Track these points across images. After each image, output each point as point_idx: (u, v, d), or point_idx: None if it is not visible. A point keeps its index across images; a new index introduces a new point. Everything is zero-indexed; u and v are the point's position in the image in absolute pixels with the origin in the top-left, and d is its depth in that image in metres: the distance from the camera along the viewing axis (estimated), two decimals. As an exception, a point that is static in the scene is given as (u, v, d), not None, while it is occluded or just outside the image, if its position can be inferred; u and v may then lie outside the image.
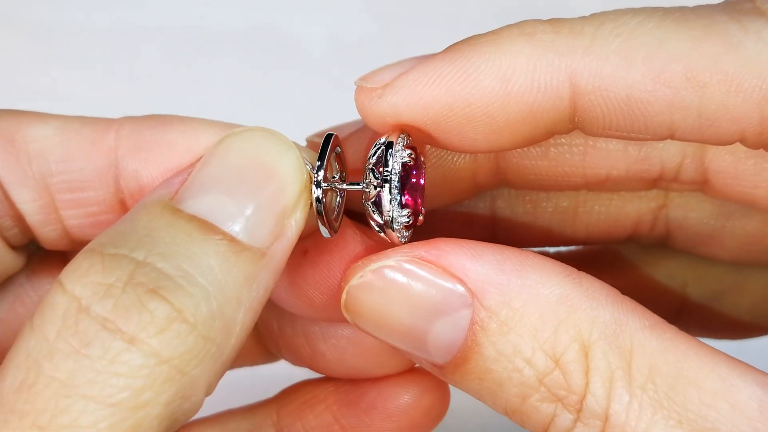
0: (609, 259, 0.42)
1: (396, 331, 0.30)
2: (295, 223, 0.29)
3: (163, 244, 0.27)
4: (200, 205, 0.28)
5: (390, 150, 0.30)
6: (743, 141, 0.29)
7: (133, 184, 0.32)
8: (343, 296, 0.30)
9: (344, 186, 0.31)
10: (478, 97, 0.29)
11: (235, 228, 0.28)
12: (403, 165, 0.30)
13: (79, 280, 0.27)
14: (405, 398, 0.36)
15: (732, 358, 0.28)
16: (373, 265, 0.30)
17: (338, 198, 0.32)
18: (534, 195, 0.39)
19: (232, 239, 0.28)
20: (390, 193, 0.30)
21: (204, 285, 0.27)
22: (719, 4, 0.30)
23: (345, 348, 0.36)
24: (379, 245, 0.32)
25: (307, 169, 0.30)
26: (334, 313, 0.32)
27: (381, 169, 0.30)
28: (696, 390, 0.27)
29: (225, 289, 0.27)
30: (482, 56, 0.29)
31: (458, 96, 0.30)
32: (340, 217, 0.33)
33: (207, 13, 0.74)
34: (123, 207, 0.33)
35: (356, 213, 0.34)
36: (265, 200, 0.29)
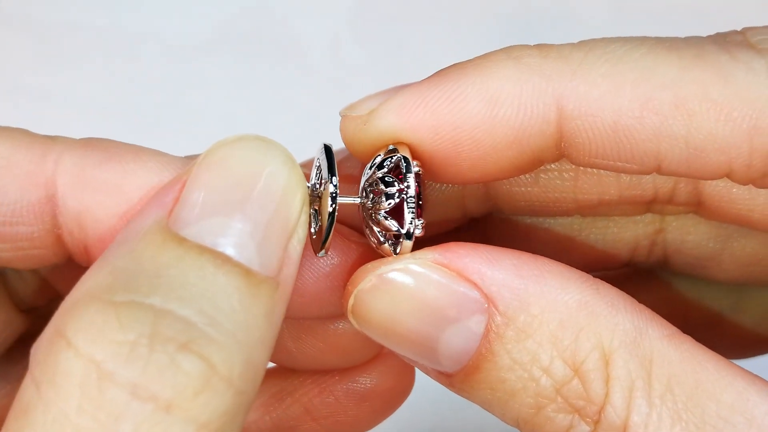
0: (610, 279, 0.41)
1: (405, 338, 0.29)
2: (298, 243, 0.27)
3: (178, 284, 0.24)
4: (204, 230, 0.26)
5: (408, 161, 0.29)
6: (731, 175, 0.29)
7: (74, 224, 0.29)
8: (351, 301, 0.29)
9: (349, 200, 0.30)
10: (465, 120, 0.29)
11: (248, 256, 0.26)
12: (417, 174, 0.29)
13: (94, 339, 0.23)
14: (375, 379, 0.36)
15: (747, 371, 0.28)
16: (383, 268, 0.29)
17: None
18: (528, 226, 0.38)
19: (247, 271, 0.25)
20: (409, 204, 0.29)
21: (232, 331, 0.24)
22: (709, 36, 0.30)
23: (314, 344, 0.35)
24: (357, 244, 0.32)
25: (305, 180, 0.28)
26: (311, 310, 0.32)
27: (402, 182, 0.29)
28: (714, 403, 0.27)
29: (250, 331, 0.25)
30: (468, 80, 0.29)
31: (444, 119, 0.29)
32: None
33: (207, 14, 0.74)
34: (59, 242, 0.30)
35: None
36: (272, 220, 0.26)
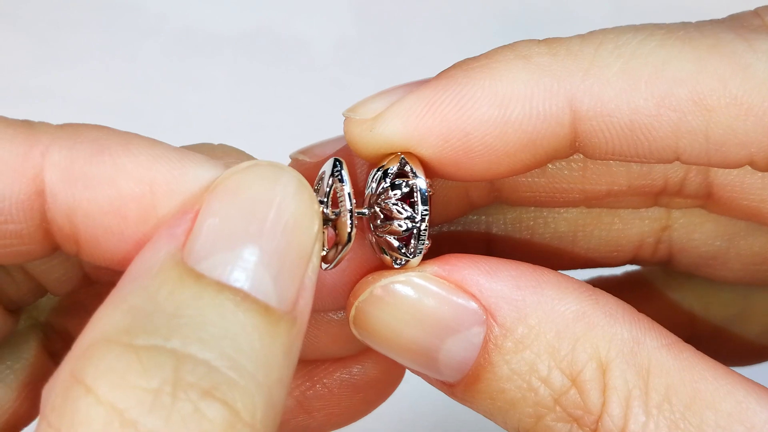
0: (616, 287, 0.41)
1: (406, 349, 0.29)
2: (313, 273, 0.26)
3: (197, 324, 0.24)
4: (220, 264, 0.25)
5: (423, 190, 0.29)
6: (752, 164, 0.28)
7: (64, 220, 0.28)
8: (352, 312, 0.30)
9: (359, 212, 0.30)
10: (475, 126, 0.28)
11: (265, 292, 0.25)
12: (429, 198, 0.29)
13: (116, 385, 0.22)
14: (367, 368, 0.35)
15: (748, 380, 0.28)
16: (384, 281, 0.29)
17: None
18: (531, 221, 0.38)
19: (266, 308, 0.25)
20: (425, 229, 0.29)
21: (253, 373, 0.24)
22: (725, 19, 0.29)
23: (314, 334, 0.34)
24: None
25: (319, 205, 0.27)
26: (323, 305, 0.32)
27: (414, 207, 0.29)
28: (712, 412, 0.27)
29: (271, 372, 0.24)
30: (477, 83, 0.28)
31: (454, 126, 0.28)
32: None
33: (206, 14, 0.74)
34: (47, 237, 0.29)
35: None
36: (287, 252, 0.26)
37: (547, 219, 0.37)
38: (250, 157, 0.33)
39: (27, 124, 0.28)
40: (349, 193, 0.28)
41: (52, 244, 0.29)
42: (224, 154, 0.33)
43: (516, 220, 0.37)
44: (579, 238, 0.37)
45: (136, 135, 0.29)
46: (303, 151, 0.34)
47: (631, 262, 0.39)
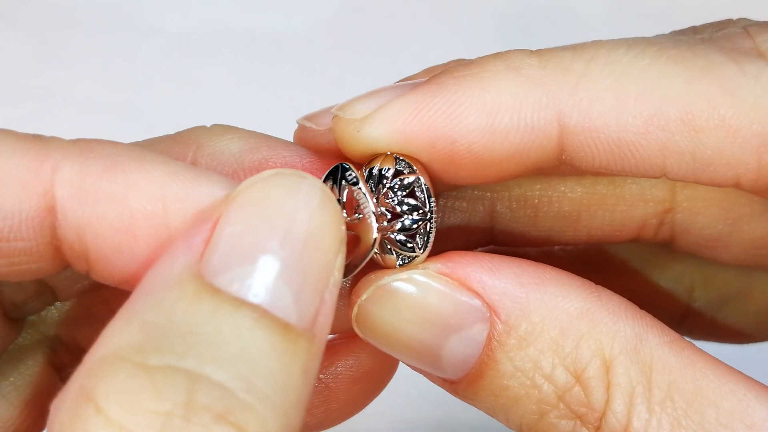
0: (615, 261, 0.41)
1: (409, 347, 0.29)
2: (334, 288, 0.26)
3: (212, 343, 0.23)
4: (238, 278, 0.24)
5: (426, 184, 0.29)
6: (738, 185, 0.28)
7: (75, 237, 0.27)
8: (354, 310, 0.30)
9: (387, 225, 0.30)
10: (462, 134, 0.28)
11: (285, 309, 0.24)
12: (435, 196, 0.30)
13: (127, 407, 0.22)
14: (362, 358, 0.35)
15: (749, 378, 0.28)
16: (386, 279, 0.29)
17: None
18: (536, 199, 0.38)
19: (285, 326, 0.24)
20: (433, 220, 0.29)
21: (269, 395, 0.23)
22: (717, 40, 0.29)
23: None
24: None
25: (342, 219, 0.26)
26: None
27: (419, 202, 0.29)
28: (713, 409, 0.27)
29: (288, 393, 0.23)
30: (466, 91, 0.28)
31: (441, 133, 0.29)
32: None
33: (206, 14, 0.74)
34: (57, 254, 0.28)
35: None
36: (309, 266, 0.25)
37: (552, 198, 0.37)
38: (248, 134, 0.33)
39: (38, 139, 0.28)
40: (366, 195, 0.28)
41: (62, 261, 0.28)
42: (222, 133, 0.33)
43: (521, 197, 0.37)
44: (583, 218, 0.37)
45: (150, 151, 0.28)
46: (309, 118, 0.33)
47: (633, 241, 0.39)
